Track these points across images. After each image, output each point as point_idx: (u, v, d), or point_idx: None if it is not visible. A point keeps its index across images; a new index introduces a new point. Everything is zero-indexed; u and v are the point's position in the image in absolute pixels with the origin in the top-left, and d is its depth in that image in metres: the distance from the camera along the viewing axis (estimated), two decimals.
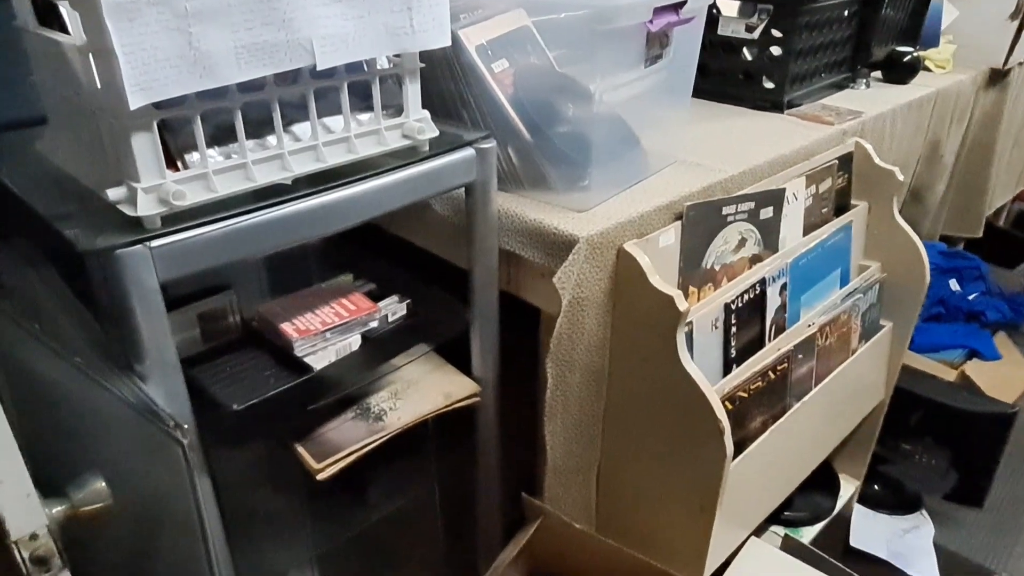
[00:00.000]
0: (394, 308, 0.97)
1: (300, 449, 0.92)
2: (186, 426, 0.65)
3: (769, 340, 1.17)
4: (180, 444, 0.65)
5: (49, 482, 0.63)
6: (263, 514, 0.99)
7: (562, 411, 1.03)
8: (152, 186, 0.67)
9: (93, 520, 0.63)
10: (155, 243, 0.67)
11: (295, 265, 1.09)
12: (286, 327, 0.87)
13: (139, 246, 0.66)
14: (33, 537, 0.57)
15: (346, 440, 0.93)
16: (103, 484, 0.63)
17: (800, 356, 1.18)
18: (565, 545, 1.04)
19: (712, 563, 1.11)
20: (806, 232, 1.26)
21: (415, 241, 1.13)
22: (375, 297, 0.98)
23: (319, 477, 0.90)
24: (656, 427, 1.03)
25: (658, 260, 0.98)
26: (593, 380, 1.03)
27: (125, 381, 0.72)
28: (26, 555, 0.57)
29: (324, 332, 0.88)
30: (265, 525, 0.98)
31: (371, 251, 1.12)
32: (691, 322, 1.03)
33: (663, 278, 0.96)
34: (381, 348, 0.94)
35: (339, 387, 0.88)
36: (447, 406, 1.01)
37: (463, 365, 1.06)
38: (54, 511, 0.61)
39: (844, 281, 1.33)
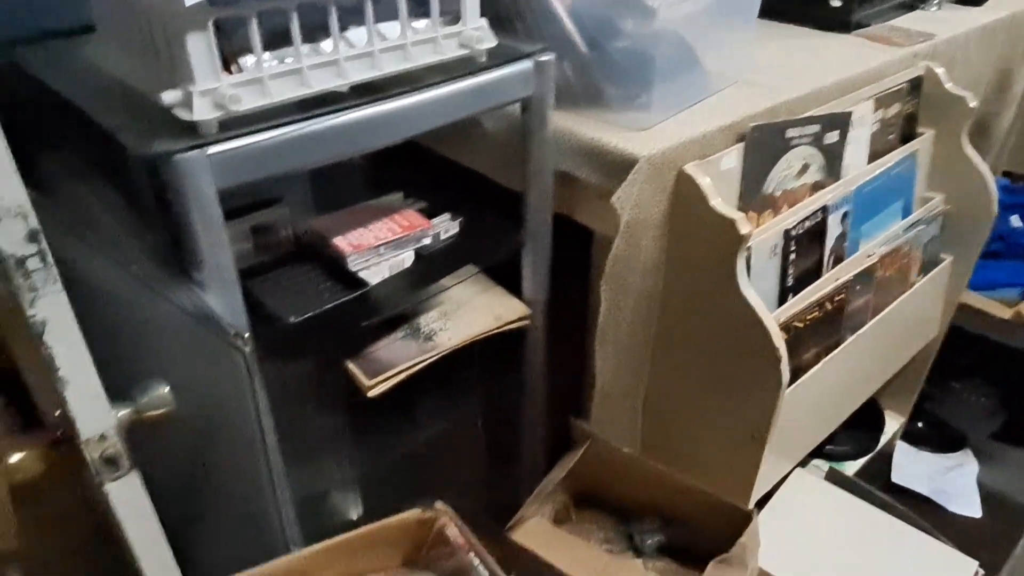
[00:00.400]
0: (447, 226, 0.95)
1: (351, 366, 0.92)
2: (246, 334, 0.65)
3: (827, 270, 1.13)
4: (242, 353, 0.64)
5: (112, 387, 0.63)
6: (309, 431, 1.00)
7: (613, 336, 1.01)
8: (208, 89, 0.65)
9: (156, 425, 0.63)
10: (212, 149, 0.66)
11: (344, 184, 1.07)
12: (339, 241, 0.86)
13: (196, 152, 0.65)
14: (102, 438, 0.58)
15: (397, 358, 0.93)
16: (167, 389, 0.63)
17: (858, 287, 1.15)
18: (611, 469, 1.04)
19: (757, 492, 1.10)
20: (871, 159, 1.20)
21: (464, 162, 1.10)
22: (426, 216, 0.96)
23: (370, 394, 0.90)
24: (709, 354, 1.01)
25: (719, 183, 0.95)
26: (646, 305, 1.01)
27: (184, 290, 0.71)
28: (96, 456, 0.58)
29: (378, 247, 0.86)
30: (311, 442, 0.99)
31: (420, 172, 1.09)
32: (749, 248, 0.99)
33: (723, 201, 0.92)
34: (433, 266, 0.92)
35: (392, 304, 0.87)
36: (497, 328, 1.00)
37: (513, 288, 1.05)
38: (120, 414, 0.61)
39: (906, 212, 1.28)
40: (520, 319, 1.02)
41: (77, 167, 0.91)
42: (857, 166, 1.17)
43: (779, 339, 0.93)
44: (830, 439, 1.44)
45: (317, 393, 1.03)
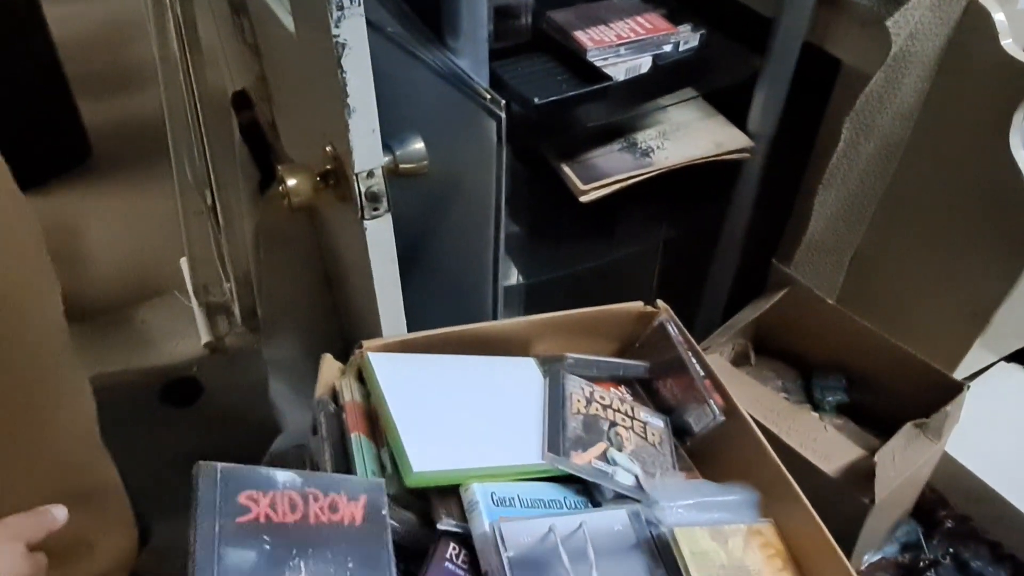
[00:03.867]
0: (687, 36, 0.89)
1: (567, 169, 0.91)
2: (503, 102, 0.65)
3: None
4: (496, 118, 0.65)
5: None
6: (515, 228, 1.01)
7: (841, 181, 0.94)
8: None
9: (409, 177, 0.66)
10: None
11: None
12: (580, 35, 0.83)
13: None
14: (370, 174, 0.61)
15: (613, 169, 0.91)
16: (421, 144, 0.64)
17: None
18: (804, 319, 1.00)
19: (959, 373, 1.04)
20: None
21: None
22: (670, 21, 0.90)
23: (582, 199, 0.90)
24: (949, 216, 0.92)
25: (1016, 23, 0.82)
26: (887, 152, 0.93)
27: (439, 55, 0.72)
28: (363, 189, 0.61)
29: (619, 46, 0.83)
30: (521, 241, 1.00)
31: None
32: None
33: (1016, 44, 0.80)
34: (670, 75, 0.88)
35: (625, 107, 0.84)
36: (717, 155, 0.95)
37: (735, 118, 0.98)
38: (384, 160, 0.64)
39: None
40: (741, 150, 0.96)
41: None
42: None
43: None
44: None
45: (528, 192, 1.02)
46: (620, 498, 0.56)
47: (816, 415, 0.99)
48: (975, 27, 0.82)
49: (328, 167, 0.65)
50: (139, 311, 1.67)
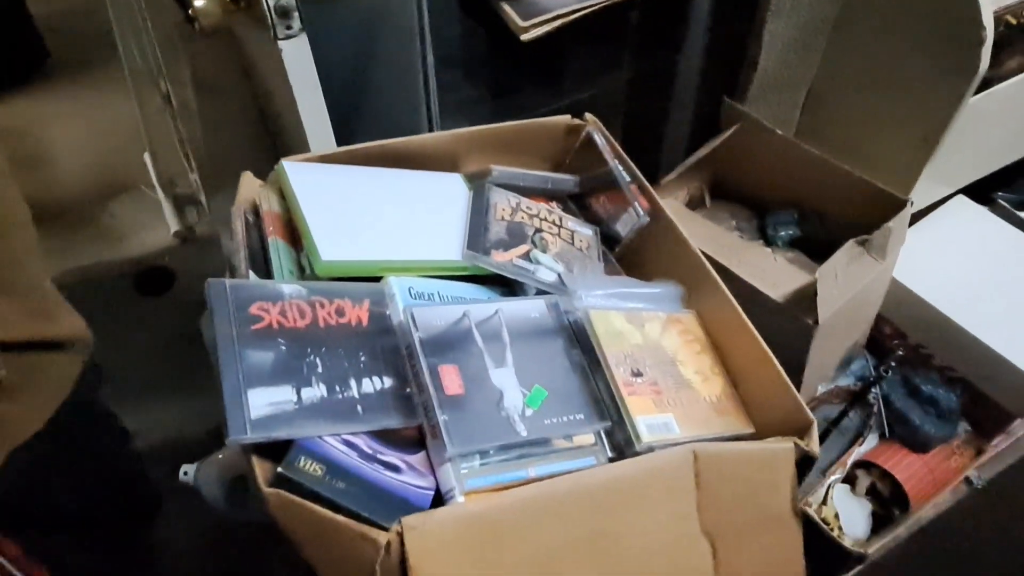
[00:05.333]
0: None
1: (505, 6, 0.88)
2: None
3: None
4: None
5: None
6: (461, 73, 0.99)
7: (789, 9, 0.92)
8: None
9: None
10: None
11: None
12: None
13: None
14: None
15: (555, 3, 0.88)
16: None
17: None
18: (757, 155, 0.99)
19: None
20: None
21: None
22: None
23: (522, 37, 0.87)
24: (897, 39, 0.90)
25: None
26: None
27: None
28: (271, 3, 0.59)
29: None
30: (463, 83, 0.98)
31: None
32: None
33: None
34: None
35: None
36: None
37: None
38: None
39: None
40: None
41: None
42: None
43: (988, 17, 0.81)
44: (1004, 183, 1.32)
45: (471, 36, 0.99)
46: (542, 295, 0.57)
47: (768, 250, 1.00)
48: None
49: None
50: (107, 207, 1.66)
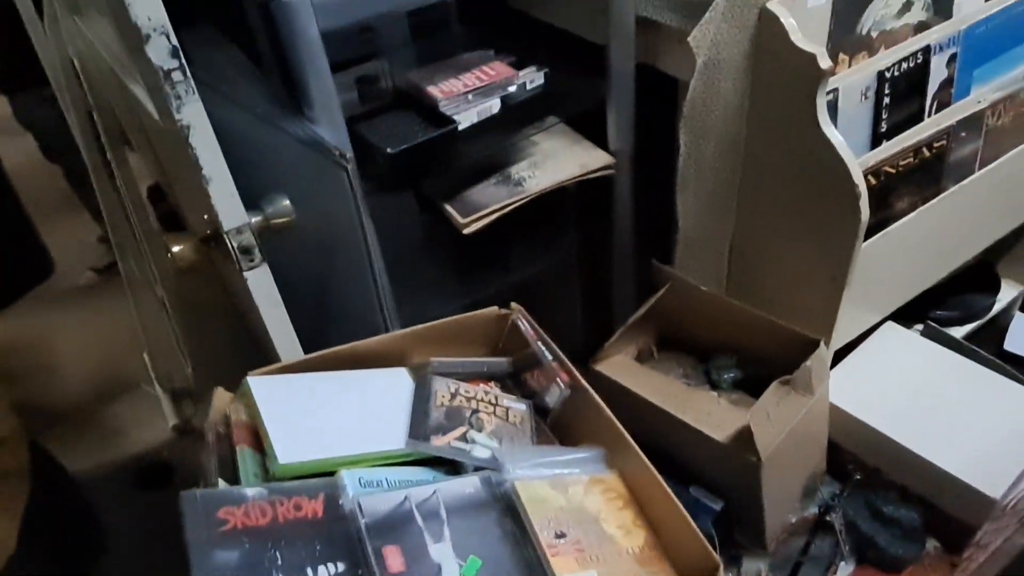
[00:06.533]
0: (532, 76, 1.01)
1: (447, 207, 1.02)
2: (348, 154, 0.76)
3: (928, 118, 1.10)
4: (344, 168, 0.76)
5: (248, 202, 0.77)
6: (419, 266, 1.12)
7: (695, 181, 1.05)
8: None
9: (282, 232, 0.76)
10: None
11: (440, 44, 1.15)
12: (432, 89, 0.95)
13: None
14: (239, 231, 0.71)
15: (489, 200, 1.02)
16: (288, 202, 0.75)
17: (963, 135, 1.11)
18: (692, 309, 1.10)
19: (841, 339, 1.13)
20: None
21: (552, 21, 1.15)
22: (515, 68, 1.02)
23: (465, 231, 1.01)
24: (792, 197, 1.03)
25: (805, 23, 0.94)
26: (729, 150, 1.04)
27: (298, 124, 0.83)
28: (236, 244, 0.71)
29: (466, 93, 0.95)
30: (421, 276, 1.11)
31: (512, 33, 1.15)
32: (836, 89, 0.99)
33: (807, 38, 0.92)
34: (520, 113, 1.00)
35: (482, 147, 0.96)
36: (582, 175, 1.07)
37: (599, 140, 1.10)
38: (253, 219, 0.74)
39: None
40: (604, 168, 1.08)
41: (213, 38, 1.04)
42: (972, 3, 1.11)
43: (859, 176, 0.94)
44: (937, 303, 1.41)
45: (423, 234, 1.13)
46: (479, 470, 0.64)
47: (714, 393, 1.08)
48: (770, 31, 0.94)
49: (208, 231, 0.75)
50: (110, 407, 1.76)
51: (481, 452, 0.65)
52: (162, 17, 0.59)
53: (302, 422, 0.63)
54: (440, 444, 0.64)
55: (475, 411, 0.69)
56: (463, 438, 0.66)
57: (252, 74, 0.95)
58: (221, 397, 0.68)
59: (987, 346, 1.46)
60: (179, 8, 1.00)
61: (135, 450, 1.65)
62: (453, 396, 0.70)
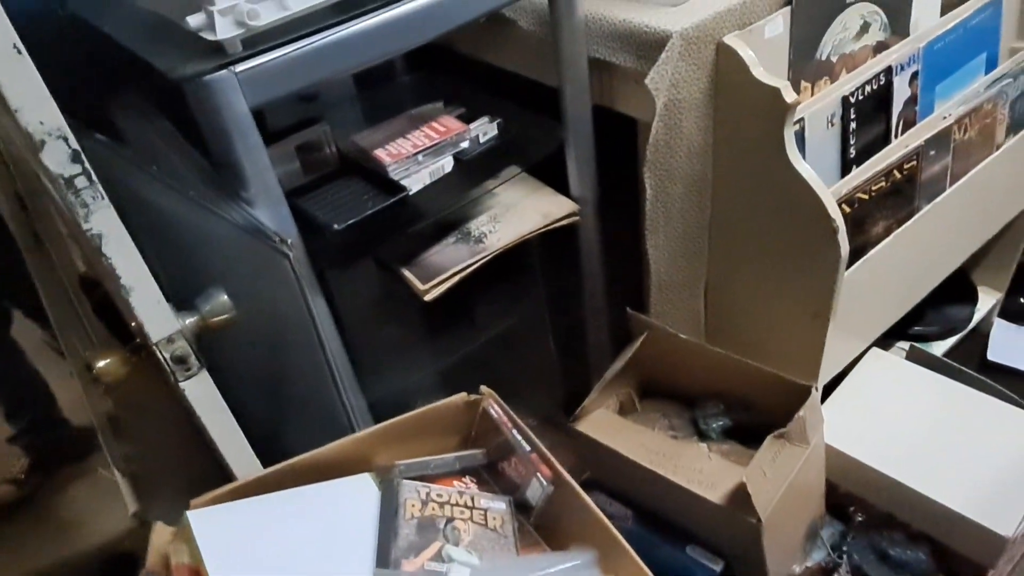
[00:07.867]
0: (485, 128, 0.96)
1: (406, 273, 0.95)
2: (291, 240, 0.69)
3: (896, 137, 1.06)
4: (287, 256, 0.69)
5: (182, 301, 0.70)
6: (380, 338, 1.05)
7: (664, 224, 1.00)
8: (227, 7, 0.67)
9: (222, 330, 0.69)
10: (239, 67, 0.68)
11: (386, 98, 1.09)
12: (379, 153, 0.89)
13: (224, 71, 0.68)
14: (170, 340, 0.64)
15: (449, 262, 0.96)
16: (226, 298, 0.68)
17: (932, 152, 1.07)
18: (673, 358, 1.04)
19: (828, 372, 1.08)
20: (944, 11, 1.10)
21: (504, 65, 1.09)
22: (466, 120, 0.97)
23: (426, 298, 0.94)
24: (766, 235, 0.98)
25: (764, 54, 0.90)
26: (696, 190, 0.99)
27: (235, 208, 0.76)
28: (167, 355, 0.64)
29: (416, 155, 0.88)
30: (382, 348, 1.05)
31: (462, 81, 1.09)
32: (802, 119, 0.95)
33: (770, 73, 0.88)
34: (475, 169, 0.94)
35: (436, 208, 0.90)
36: (546, 226, 1.01)
37: (561, 186, 1.05)
38: (187, 321, 0.67)
39: (991, 67, 1.17)
40: (568, 216, 1.02)
41: (142, 110, 0.97)
42: (928, 20, 1.08)
43: (835, 210, 0.90)
44: (916, 319, 1.38)
45: (384, 302, 1.07)
46: None
47: (704, 445, 1.02)
48: (729, 66, 0.90)
49: (137, 340, 0.67)
50: (66, 494, 1.65)
51: (459, 572, 0.58)
52: (56, 119, 0.52)
53: (249, 562, 0.55)
54: (413, 569, 0.57)
55: (450, 520, 0.62)
56: (438, 556, 0.59)
57: (184, 150, 0.88)
58: (160, 535, 0.60)
59: (971, 358, 1.44)
60: (105, 73, 0.94)
61: (94, 541, 1.54)
62: (424, 504, 0.63)
